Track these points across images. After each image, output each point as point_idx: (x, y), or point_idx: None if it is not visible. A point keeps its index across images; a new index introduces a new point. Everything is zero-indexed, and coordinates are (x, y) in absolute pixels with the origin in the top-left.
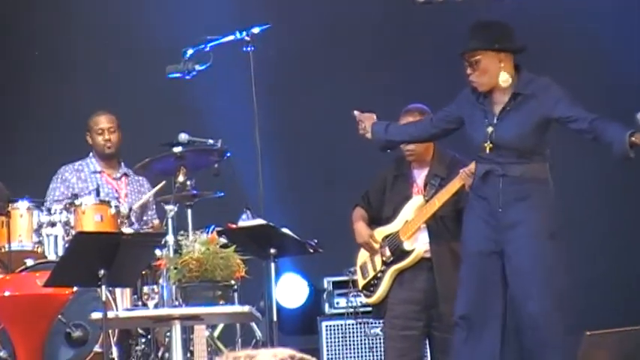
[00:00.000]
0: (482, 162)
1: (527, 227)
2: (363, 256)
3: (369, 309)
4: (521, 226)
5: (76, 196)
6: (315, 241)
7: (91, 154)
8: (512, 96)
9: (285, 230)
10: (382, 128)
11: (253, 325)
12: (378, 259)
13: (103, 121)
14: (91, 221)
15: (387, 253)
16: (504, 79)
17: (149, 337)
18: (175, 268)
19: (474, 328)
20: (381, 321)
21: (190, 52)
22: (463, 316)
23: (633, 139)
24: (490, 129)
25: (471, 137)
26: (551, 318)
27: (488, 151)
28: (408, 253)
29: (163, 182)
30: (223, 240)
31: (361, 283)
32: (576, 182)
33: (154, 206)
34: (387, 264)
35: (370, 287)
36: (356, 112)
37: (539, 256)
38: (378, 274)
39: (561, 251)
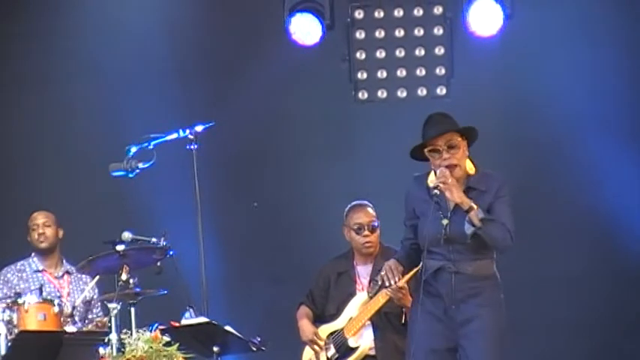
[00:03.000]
0: (433, 258)
1: (480, 324)
2: (308, 353)
3: None
4: (473, 322)
5: (19, 294)
6: (259, 338)
7: (33, 253)
8: (467, 190)
9: (228, 328)
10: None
11: None
12: (323, 357)
13: (38, 217)
14: (34, 320)
15: (332, 350)
16: (470, 166)
17: None
18: None
19: None
20: None
21: (134, 149)
22: None
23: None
24: (445, 221)
25: (422, 232)
26: None
27: (442, 243)
28: (353, 350)
29: (97, 277)
30: (167, 338)
31: None
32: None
33: (99, 304)
34: None
35: None
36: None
37: (490, 354)
38: None
39: (505, 344)
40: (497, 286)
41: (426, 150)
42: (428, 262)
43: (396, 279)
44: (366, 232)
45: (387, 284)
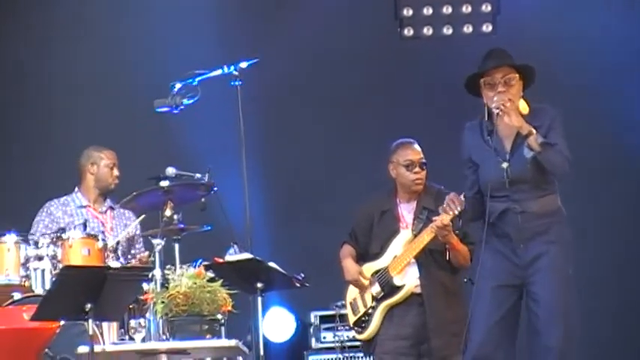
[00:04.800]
0: (497, 200)
1: (548, 260)
2: (352, 292)
3: (356, 343)
4: (542, 259)
5: (63, 229)
6: (302, 275)
7: (76, 188)
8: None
9: (271, 264)
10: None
11: (240, 359)
12: (368, 296)
13: (113, 157)
14: (78, 255)
15: (377, 288)
16: (524, 106)
17: None
18: (162, 302)
19: None
20: (370, 357)
21: (178, 86)
22: (478, 357)
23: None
24: (505, 165)
25: (483, 178)
26: (564, 352)
27: (507, 186)
28: (398, 289)
29: (143, 216)
30: (210, 274)
31: (352, 319)
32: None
33: (141, 239)
34: (377, 300)
35: (362, 323)
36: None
37: (559, 290)
38: (369, 310)
39: (574, 285)
40: (564, 222)
41: (481, 80)
42: (492, 204)
43: (459, 208)
44: (417, 169)
45: (452, 212)
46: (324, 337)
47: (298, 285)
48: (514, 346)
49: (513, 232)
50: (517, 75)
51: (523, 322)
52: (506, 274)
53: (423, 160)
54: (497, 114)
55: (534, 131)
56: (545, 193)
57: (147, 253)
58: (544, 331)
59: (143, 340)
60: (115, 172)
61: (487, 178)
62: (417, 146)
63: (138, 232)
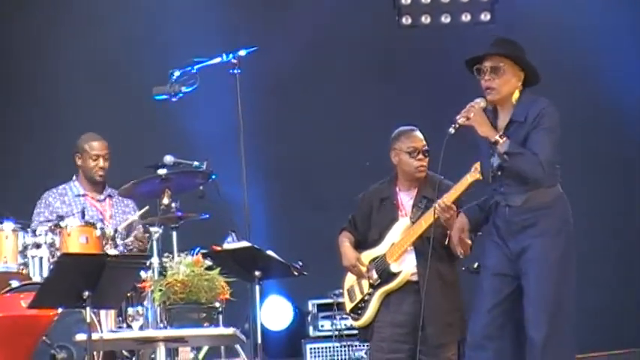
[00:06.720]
0: (493, 193)
1: (532, 254)
2: (350, 279)
3: (354, 332)
4: (527, 253)
5: (61, 217)
6: (300, 263)
7: (74, 177)
8: (509, 123)
9: (269, 252)
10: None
11: (238, 347)
12: (365, 282)
13: (100, 147)
14: (76, 243)
15: (374, 275)
16: (516, 96)
17: (134, 359)
18: (160, 290)
19: (487, 351)
20: (366, 344)
21: (177, 74)
22: (476, 342)
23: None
24: (493, 159)
25: (481, 168)
26: (549, 343)
27: (493, 181)
28: (395, 276)
29: (147, 207)
30: (208, 262)
31: (349, 306)
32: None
33: (140, 226)
34: (374, 287)
35: (358, 310)
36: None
37: (545, 284)
38: (366, 297)
39: (568, 274)
40: (555, 214)
41: (474, 68)
42: (491, 195)
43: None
44: (420, 156)
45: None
46: (322, 326)
47: (296, 273)
48: (510, 337)
49: (502, 225)
50: (507, 65)
51: None
52: (502, 263)
53: (426, 148)
54: (456, 127)
55: (500, 141)
56: (532, 187)
57: (142, 229)
58: (530, 325)
59: (141, 327)
60: (100, 163)
61: (482, 167)
62: (419, 133)
63: (135, 220)
